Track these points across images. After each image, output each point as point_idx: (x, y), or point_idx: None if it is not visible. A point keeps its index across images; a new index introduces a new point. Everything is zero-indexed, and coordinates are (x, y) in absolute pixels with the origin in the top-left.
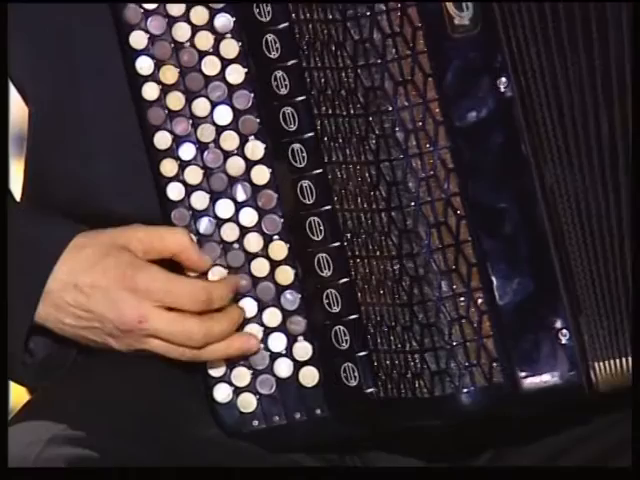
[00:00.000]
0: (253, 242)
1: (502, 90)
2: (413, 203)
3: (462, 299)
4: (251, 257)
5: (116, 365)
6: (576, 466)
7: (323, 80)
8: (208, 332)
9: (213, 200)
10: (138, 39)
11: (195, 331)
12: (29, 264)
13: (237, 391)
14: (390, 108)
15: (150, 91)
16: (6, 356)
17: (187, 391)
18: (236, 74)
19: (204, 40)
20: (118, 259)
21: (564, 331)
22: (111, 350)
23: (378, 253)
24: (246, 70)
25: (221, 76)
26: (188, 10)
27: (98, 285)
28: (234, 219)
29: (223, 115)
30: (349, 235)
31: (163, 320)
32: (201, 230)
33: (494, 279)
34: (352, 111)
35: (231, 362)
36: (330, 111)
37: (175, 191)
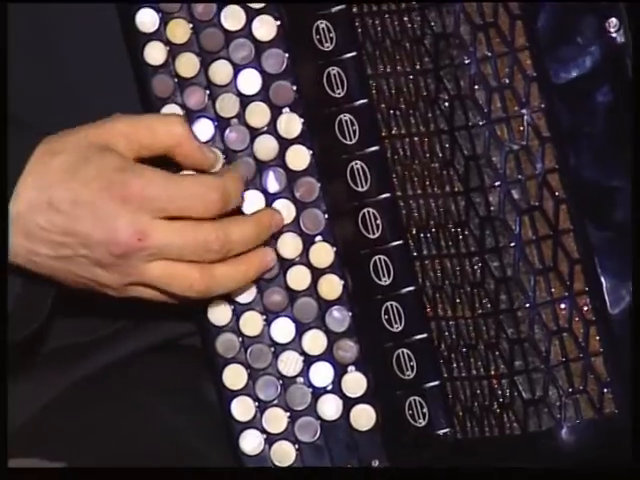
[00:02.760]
0: (289, 245)
1: (612, 34)
2: (498, 183)
3: (563, 306)
4: (287, 265)
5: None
6: (576, 466)
7: (379, 28)
8: (227, 238)
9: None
10: None
11: (212, 238)
12: None
13: (270, 439)
14: (467, 60)
15: (155, 53)
16: (6, 356)
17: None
18: (266, 28)
19: None
20: (101, 163)
21: None
22: (101, 291)
23: (453, 250)
24: (278, 22)
25: (246, 31)
26: None
27: (80, 200)
28: None
29: (250, 82)
30: (414, 230)
31: (169, 232)
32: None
33: (604, 280)
34: (418, 66)
35: (261, 404)
36: (388, 68)
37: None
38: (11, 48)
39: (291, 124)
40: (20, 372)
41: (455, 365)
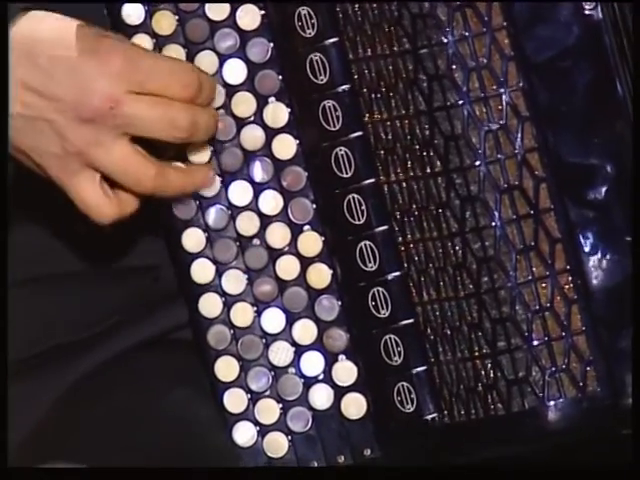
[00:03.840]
0: (278, 235)
1: (588, 12)
2: (478, 162)
3: (544, 285)
4: (276, 255)
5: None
6: (576, 466)
7: (359, 12)
8: (195, 120)
9: (225, 183)
10: None
11: (181, 116)
12: None
13: (263, 431)
14: (445, 40)
15: (141, 45)
16: (6, 357)
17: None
18: (250, 17)
19: None
20: (85, 28)
21: None
22: (43, 171)
23: (435, 233)
24: (262, 12)
25: (231, 21)
26: None
27: (60, 58)
28: (252, 206)
29: (235, 71)
30: (398, 214)
31: (140, 104)
32: (211, 222)
33: (584, 258)
34: (396, 47)
35: (254, 395)
36: (369, 52)
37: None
38: None
39: (277, 113)
40: (17, 374)
41: (441, 349)
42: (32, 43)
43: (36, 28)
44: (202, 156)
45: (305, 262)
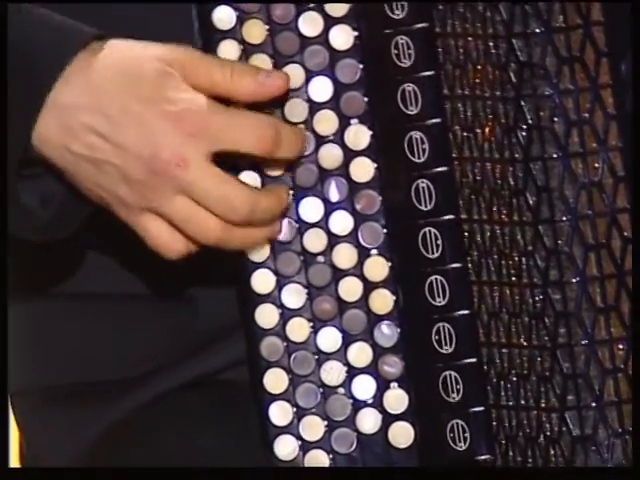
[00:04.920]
0: (344, 256)
1: None
2: (569, 217)
3: (621, 346)
4: (340, 275)
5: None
6: (576, 466)
7: (462, 50)
8: (255, 205)
9: (297, 198)
10: None
11: (241, 201)
12: (35, 69)
13: (305, 447)
14: (549, 91)
15: (228, 51)
16: (6, 356)
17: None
18: (342, 37)
19: None
20: (158, 80)
21: None
22: (111, 209)
23: (514, 279)
24: (356, 33)
25: (323, 38)
26: None
27: (130, 109)
28: (322, 224)
29: (321, 89)
30: (476, 254)
31: (206, 173)
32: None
33: None
34: (498, 92)
35: (300, 411)
36: (467, 91)
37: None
38: None
39: (359, 135)
40: (59, 407)
41: (503, 393)
42: (101, 92)
43: (103, 75)
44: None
45: (369, 286)
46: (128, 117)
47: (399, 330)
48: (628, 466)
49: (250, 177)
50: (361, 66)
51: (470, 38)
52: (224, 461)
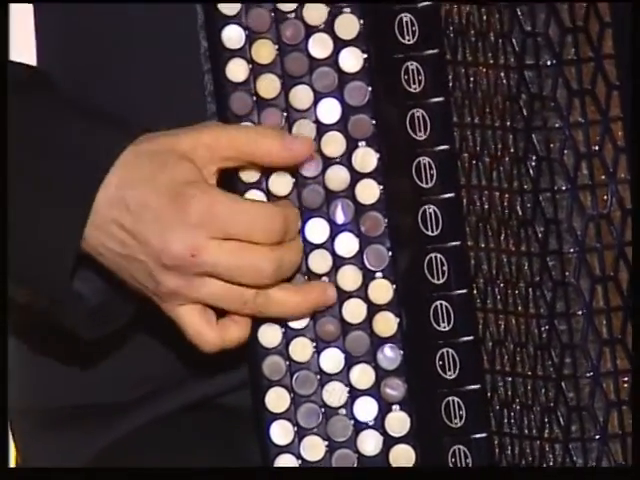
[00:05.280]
0: (349, 278)
1: None
2: (576, 249)
3: (625, 379)
4: (344, 297)
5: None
6: (576, 466)
7: (472, 79)
8: (280, 264)
9: (303, 219)
10: (229, 3)
11: (265, 262)
12: (76, 177)
13: (305, 467)
14: (560, 124)
15: (237, 70)
16: (6, 356)
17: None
18: (352, 60)
19: (315, 12)
20: (175, 172)
21: None
22: (151, 299)
23: (520, 309)
24: (365, 56)
25: (332, 60)
26: None
27: (148, 204)
28: (327, 246)
29: (329, 111)
30: (482, 282)
31: (223, 251)
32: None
33: None
34: (508, 123)
35: (301, 431)
36: (477, 120)
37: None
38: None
39: (366, 158)
40: (56, 429)
41: (506, 421)
42: (126, 187)
43: (131, 170)
44: (284, 188)
45: (373, 309)
46: (147, 212)
47: (402, 353)
48: (628, 466)
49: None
50: (370, 89)
51: (481, 67)
52: None
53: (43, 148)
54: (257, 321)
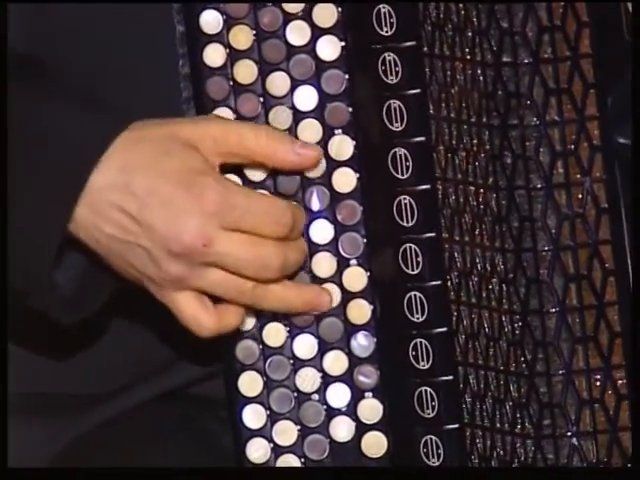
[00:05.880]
0: (324, 265)
1: None
2: (551, 247)
3: (598, 377)
4: (319, 283)
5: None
6: (576, 466)
7: (449, 73)
8: (286, 260)
9: None
10: None
11: (273, 257)
12: (69, 162)
13: (277, 451)
14: (536, 122)
15: (214, 55)
16: (6, 355)
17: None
18: (329, 48)
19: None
20: (184, 160)
21: None
22: (143, 285)
23: (494, 304)
24: (343, 43)
25: (310, 47)
26: None
27: (157, 190)
28: (302, 232)
29: (306, 98)
30: (456, 274)
31: (234, 243)
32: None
33: None
34: (484, 119)
35: (274, 415)
36: (453, 114)
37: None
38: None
39: (343, 146)
40: (26, 417)
41: (478, 414)
42: (129, 172)
43: (132, 154)
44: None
45: (347, 296)
46: (155, 198)
47: (375, 341)
48: (628, 466)
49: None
50: (347, 77)
51: (458, 62)
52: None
53: (31, 133)
54: None
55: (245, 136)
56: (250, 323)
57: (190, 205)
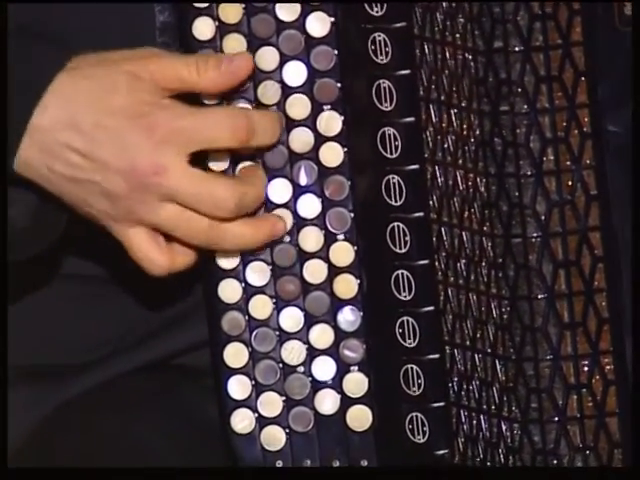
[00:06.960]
0: (311, 239)
1: None
2: (539, 233)
3: (586, 362)
4: (305, 257)
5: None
6: (576, 466)
7: (440, 57)
8: (242, 198)
9: (267, 179)
10: None
11: (227, 195)
12: (14, 100)
13: (262, 421)
14: (526, 109)
15: (203, 28)
16: (6, 354)
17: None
18: (319, 24)
19: None
20: (129, 92)
21: None
22: (100, 222)
23: (482, 287)
24: (333, 20)
25: (299, 23)
26: None
27: (103, 124)
28: (290, 206)
29: (295, 73)
30: (444, 255)
31: (186, 176)
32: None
33: (628, 342)
34: (475, 105)
35: (259, 386)
36: (443, 97)
37: (218, 163)
38: None
39: (331, 121)
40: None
41: (464, 395)
42: (74, 108)
43: (76, 91)
44: (221, 165)
45: (334, 271)
46: (102, 132)
47: (362, 315)
48: (628, 466)
49: (220, 161)
50: (335, 52)
51: (449, 47)
52: (167, 447)
53: None
54: (217, 275)
55: (180, 69)
56: (236, 294)
57: (138, 136)
